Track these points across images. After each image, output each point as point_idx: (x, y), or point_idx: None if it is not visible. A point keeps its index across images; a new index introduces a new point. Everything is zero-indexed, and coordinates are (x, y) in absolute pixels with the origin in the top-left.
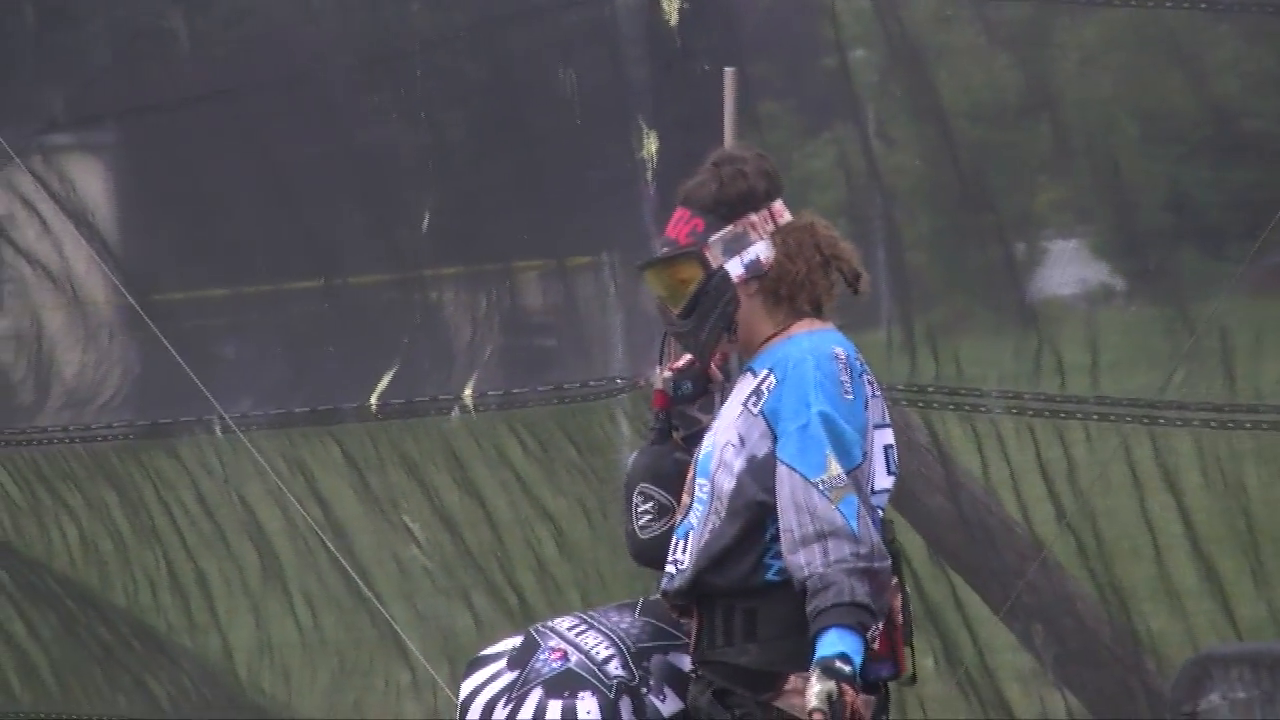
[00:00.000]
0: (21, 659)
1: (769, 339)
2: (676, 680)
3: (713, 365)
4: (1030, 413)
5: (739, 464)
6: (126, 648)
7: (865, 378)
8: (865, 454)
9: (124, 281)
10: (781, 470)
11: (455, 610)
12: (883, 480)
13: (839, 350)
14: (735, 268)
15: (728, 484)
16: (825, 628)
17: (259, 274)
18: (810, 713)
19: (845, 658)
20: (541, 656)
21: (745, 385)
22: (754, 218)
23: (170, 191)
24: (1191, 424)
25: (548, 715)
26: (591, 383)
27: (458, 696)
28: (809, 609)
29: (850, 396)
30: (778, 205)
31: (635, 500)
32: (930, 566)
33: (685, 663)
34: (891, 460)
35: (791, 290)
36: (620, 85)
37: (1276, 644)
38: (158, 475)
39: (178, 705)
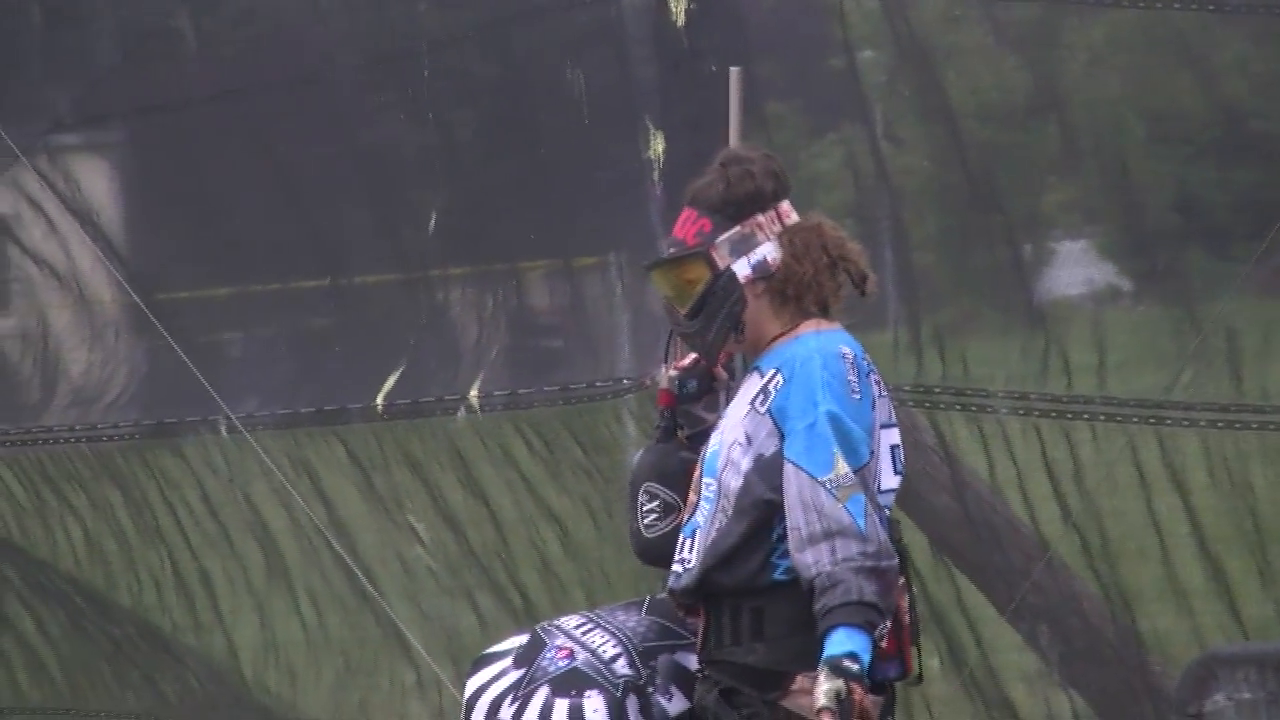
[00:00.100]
0: (30, 656)
1: (776, 339)
2: (683, 679)
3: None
4: (1037, 413)
5: (746, 463)
6: (134, 645)
7: (872, 377)
8: (872, 453)
9: (130, 281)
10: (789, 469)
11: (460, 610)
12: (889, 480)
13: (846, 350)
14: (742, 268)
15: (735, 483)
16: (833, 626)
17: (265, 274)
18: (819, 712)
19: (854, 656)
20: (548, 655)
21: (752, 384)
22: (761, 218)
23: (176, 191)
24: (1198, 424)
25: (554, 714)
26: (598, 383)
27: (462, 695)
28: (816, 608)
29: (857, 396)
30: (785, 206)
31: (640, 499)
32: (935, 566)
33: (692, 662)
34: (898, 460)
35: (799, 291)
36: (627, 85)
37: None
38: (163, 475)
39: (185, 703)
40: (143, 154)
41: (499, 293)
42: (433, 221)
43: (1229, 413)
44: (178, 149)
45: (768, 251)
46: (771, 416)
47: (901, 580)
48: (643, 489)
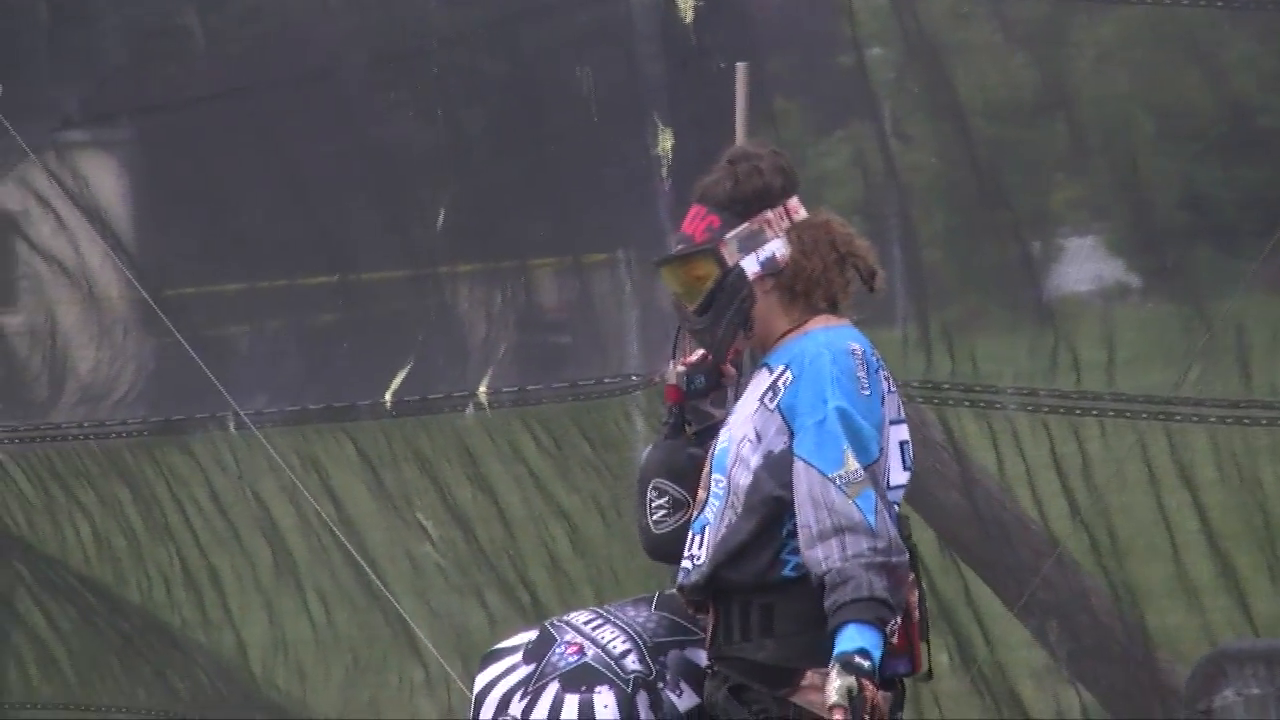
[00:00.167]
0: (41, 651)
1: (785, 335)
2: (693, 675)
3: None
4: (1045, 409)
5: (756, 459)
6: (144, 641)
7: (881, 373)
8: (882, 449)
9: (138, 278)
10: (799, 465)
11: (468, 607)
12: (898, 476)
13: (855, 346)
14: (751, 265)
15: (744, 479)
16: (844, 623)
17: (274, 270)
18: (831, 708)
19: (865, 653)
20: (558, 650)
21: (761, 381)
22: (769, 215)
23: (185, 188)
24: (1207, 420)
25: (564, 709)
26: (606, 379)
27: (472, 691)
28: (827, 604)
29: (867, 392)
30: (793, 202)
31: (649, 495)
32: (944, 562)
33: (702, 658)
34: (907, 456)
35: (807, 287)
36: (636, 82)
37: None
38: (171, 472)
39: (195, 700)
40: (151, 151)
41: (507, 289)
42: (441, 218)
43: (1238, 409)
44: (186, 146)
45: (776, 248)
46: (781, 413)
47: (911, 576)
48: (651, 485)
